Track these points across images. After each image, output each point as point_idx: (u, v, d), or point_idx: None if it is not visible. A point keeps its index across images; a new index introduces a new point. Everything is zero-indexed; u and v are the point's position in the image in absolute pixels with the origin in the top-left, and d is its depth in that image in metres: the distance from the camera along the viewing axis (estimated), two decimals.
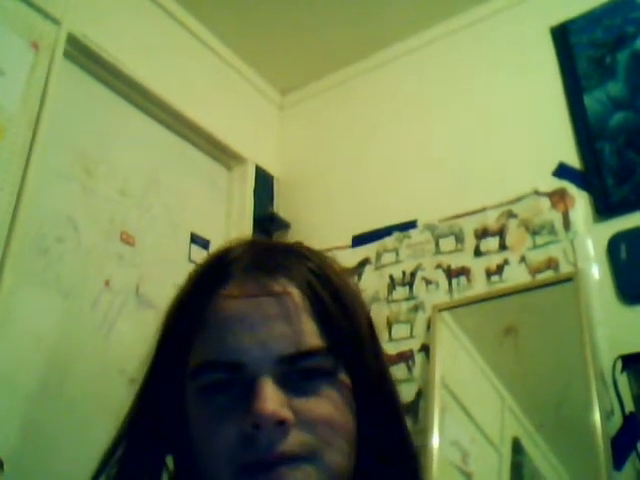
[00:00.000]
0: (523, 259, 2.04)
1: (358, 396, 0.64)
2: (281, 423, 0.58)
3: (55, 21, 1.96)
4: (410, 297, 2.21)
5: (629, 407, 1.70)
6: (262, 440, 0.57)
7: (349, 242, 2.44)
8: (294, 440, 0.58)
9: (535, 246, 2.04)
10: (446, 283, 2.17)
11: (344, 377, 0.64)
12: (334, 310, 0.65)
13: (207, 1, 2.50)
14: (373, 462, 0.65)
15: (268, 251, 0.70)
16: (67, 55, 2.01)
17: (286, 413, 0.58)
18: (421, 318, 2.16)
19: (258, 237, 0.74)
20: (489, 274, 2.09)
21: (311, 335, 0.62)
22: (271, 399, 0.58)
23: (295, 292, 0.64)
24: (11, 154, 1.75)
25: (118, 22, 2.22)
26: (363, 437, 0.64)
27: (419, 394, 2.01)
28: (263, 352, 0.60)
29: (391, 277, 2.28)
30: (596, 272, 1.91)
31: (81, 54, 2.09)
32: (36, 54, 1.89)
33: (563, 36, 2.25)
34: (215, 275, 0.67)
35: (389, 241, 2.36)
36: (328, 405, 0.61)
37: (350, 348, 0.64)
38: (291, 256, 0.69)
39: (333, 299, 0.65)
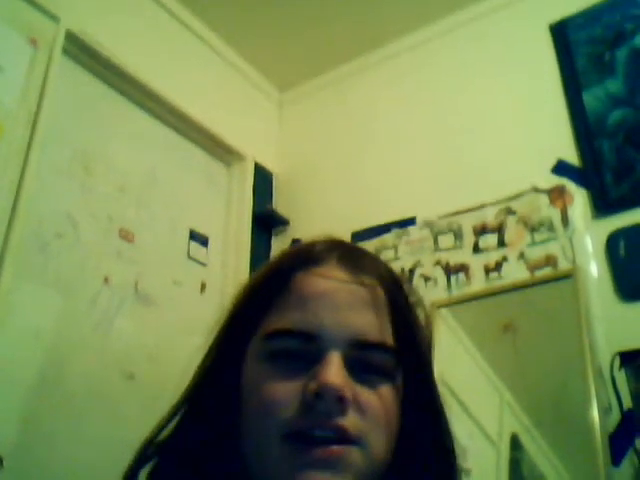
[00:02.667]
0: (522, 256, 2.04)
1: (407, 402, 0.66)
2: (341, 400, 0.59)
3: (54, 18, 1.95)
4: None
5: (627, 403, 1.70)
6: (321, 410, 0.59)
7: (348, 239, 2.44)
8: (350, 420, 0.60)
9: (534, 243, 2.04)
10: (445, 280, 2.17)
11: (400, 383, 0.66)
12: (407, 319, 0.69)
13: None
14: (412, 462, 0.66)
15: (355, 249, 0.74)
16: (66, 52, 2.01)
17: (348, 392, 0.60)
18: (420, 315, 2.15)
19: (340, 239, 0.76)
20: (488, 271, 2.09)
21: (386, 332, 0.65)
22: (337, 374, 0.59)
23: (379, 290, 0.67)
24: (9, 151, 1.76)
25: (116, 19, 2.22)
26: (402, 440, 0.65)
27: None
28: (340, 331, 0.62)
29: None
30: (594, 269, 1.91)
31: (80, 51, 2.09)
32: (35, 51, 1.89)
33: (562, 33, 2.25)
34: (306, 257, 0.69)
35: (388, 238, 2.36)
36: (381, 402, 0.63)
37: (414, 358, 0.67)
38: (375, 260, 0.74)
39: (407, 309, 0.70)
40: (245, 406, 0.64)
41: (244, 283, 0.73)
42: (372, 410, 0.61)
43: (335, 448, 0.58)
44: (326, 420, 0.59)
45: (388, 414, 0.63)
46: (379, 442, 0.62)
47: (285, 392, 0.60)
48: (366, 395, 0.62)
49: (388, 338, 0.65)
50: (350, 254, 0.70)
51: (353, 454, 0.59)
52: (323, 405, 0.58)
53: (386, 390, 0.63)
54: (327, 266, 0.67)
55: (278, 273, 0.69)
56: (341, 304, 0.64)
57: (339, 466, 0.58)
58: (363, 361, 0.63)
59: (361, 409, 0.61)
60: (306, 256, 0.69)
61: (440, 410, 0.71)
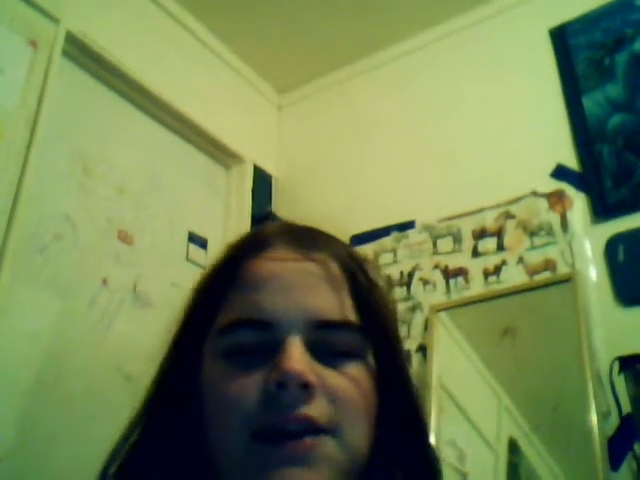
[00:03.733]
0: (521, 260, 2.04)
1: (381, 383, 0.62)
2: (306, 386, 0.55)
3: (54, 19, 1.95)
4: (407, 297, 2.21)
5: (626, 408, 1.70)
6: (285, 400, 0.55)
7: (347, 242, 2.43)
8: (317, 408, 0.56)
9: (533, 247, 2.04)
10: (444, 283, 2.17)
11: (371, 361, 0.62)
12: (369, 294, 0.64)
13: (206, 0, 2.50)
14: (389, 449, 0.62)
15: (306, 229, 0.70)
16: (65, 53, 2.01)
17: (313, 377, 0.56)
18: (418, 318, 2.16)
19: (291, 221, 0.73)
20: (487, 275, 2.09)
21: (347, 309, 0.61)
22: (299, 360, 0.56)
23: (335, 265, 0.63)
24: (9, 152, 1.75)
25: (117, 21, 2.22)
26: (381, 424, 0.62)
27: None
28: (296, 313, 0.59)
29: (389, 277, 2.28)
30: (594, 273, 1.91)
31: (80, 52, 2.08)
32: (34, 52, 1.89)
33: (562, 38, 2.25)
34: (253, 243, 0.66)
35: (387, 241, 2.36)
36: (353, 384, 0.59)
37: (381, 333, 0.63)
38: (329, 237, 0.69)
39: (368, 284, 0.65)
40: (207, 408, 0.60)
41: (197, 278, 0.70)
42: (343, 394, 0.58)
43: (307, 440, 0.55)
44: (292, 411, 0.55)
45: (362, 396, 0.59)
46: (355, 429, 0.58)
47: (246, 387, 0.57)
48: (334, 378, 0.58)
49: (350, 315, 0.61)
50: (301, 234, 0.67)
51: (327, 445, 0.56)
52: (287, 395, 0.55)
53: (356, 370, 0.60)
54: (276, 249, 0.64)
55: (227, 263, 0.66)
56: (293, 285, 0.60)
57: (313, 460, 0.55)
58: (326, 342, 0.59)
59: (330, 394, 0.57)
60: (254, 242, 0.66)
61: (411, 388, 0.67)
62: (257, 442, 0.56)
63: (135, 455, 0.64)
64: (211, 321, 0.63)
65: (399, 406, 0.63)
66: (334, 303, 0.61)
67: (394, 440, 0.63)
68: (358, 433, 0.59)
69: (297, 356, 0.56)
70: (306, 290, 0.60)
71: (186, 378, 0.63)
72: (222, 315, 0.62)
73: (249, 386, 0.57)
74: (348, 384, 0.59)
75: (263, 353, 0.58)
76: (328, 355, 0.59)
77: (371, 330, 0.62)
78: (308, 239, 0.66)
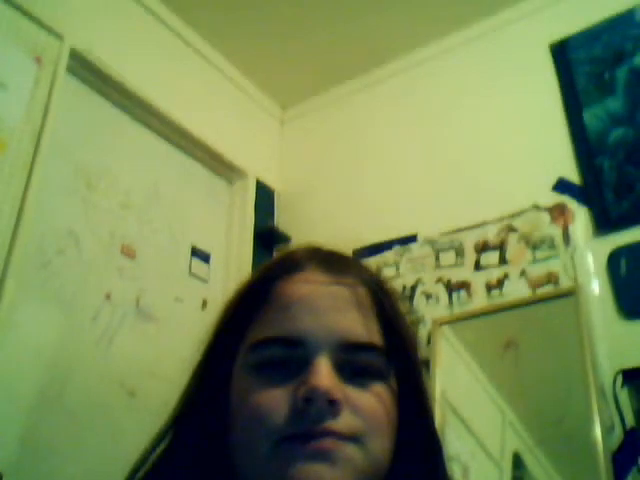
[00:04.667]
0: (523, 273, 2.04)
1: (401, 404, 0.65)
2: (333, 402, 0.58)
3: (58, 36, 1.97)
4: (410, 311, 2.21)
5: (630, 422, 1.69)
6: (312, 415, 0.57)
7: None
8: (343, 422, 0.58)
9: (535, 260, 2.05)
10: (446, 297, 2.17)
11: (393, 382, 0.64)
12: (394, 319, 0.67)
13: (208, 16, 2.52)
14: (407, 466, 0.65)
15: (335, 253, 0.73)
16: (70, 70, 2.03)
17: (339, 393, 0.59)
18: (421, 332, 2.15)
19: (320, 245, 0.76)
20: (489, 288, 2.09)
21: (373, 332, 0.64)
22: (327, 377, 0.58)
23: (363, 290, 0.66)
24: (13, 167, 1.76)
25: (121, 37, 2.24)
26: (400, 441, 0.64)
27: None
28: (326, 334, 0.61)
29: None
30: (596, 287, 1.91)
31: (84, 69, 2.10)
32: (39, 69, 1.90)
33: (562, 52, 2.27)
34: (286, 265, 0.69)
35: (389, 255, 2.36)
36: (377, 402, 0.61)
37: (403, 357, 0.66)
38: (358, 263, 0.73)
39: (393, 310, 0.68)
40: (235, 420, 0.63)
41: (227, 298, 0.72)
42: (368, 410, 0.60)
43: (331, 441, 0.57)
44: (318, 424, 0.57)
45: (385, 414, 0.62)
46: (378, 441, 0.61)
47: (274, 400, 0.59)
48: (358, 396, 0.61)
49: (375, 338, 0.64)
50: (330, 258, 0.70)
51: (349, 449, 0.58)
52: (314, 409, 0.57)
53: (380, 389, 0.62)
54: (307, 271, 0.67)
55: (259, 284, 0.69)
56: (324, 307, 0.63)
57: (336, 459, 0.57)
58: (352, 363, 0.62)
59: (355, 409, 0.60)
60: (286, 264, 0.69)
61: (431, 414, 0.70)
62: (280, 446, 0.58)
63: (162, 462, 0.66)
64: (241, 337, 0.66)
65: (417, 426, 0.66)
66: (361, 326, 0.63)
67: (412, 457, 0.65)
68: (380, 445, 0.61)
69: (325, 373, 0.59)
70: (335, 312, 0.63)
71: (215, 390, 0.66)
72: (253, 332, 0.65)
73: (278, 399, 0.59)
74: (372, 402, 0.61)
75: (293, 369, 0.61)
76: (353, 375, 0.62)
77: (395, 353, 0.65)
78: (338, 263, 0.69)
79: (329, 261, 0.69)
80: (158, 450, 0.67)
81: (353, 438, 0.58)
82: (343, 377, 0.61)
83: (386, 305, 0.67)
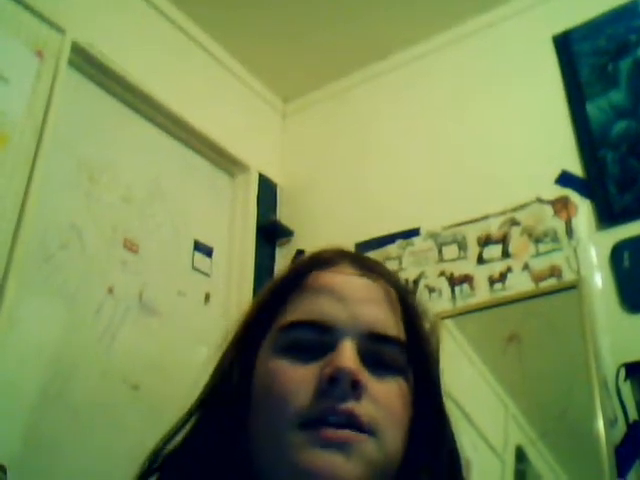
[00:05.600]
0: (526, 267, 2.04)
1: (417, 399, 0.67)
2: (356, 385, 0.59)
3: (60, 30, 1.97)
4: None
5: (633, 415, 1.69)
6: (335, 394, 0.59)
7: (352, 250, 2.43)
8: (363, 407, 0.60)
9: (538, 254, 2.04)
10: (449, 291, 2.17)
11: (411, 378, 0.66)
12: (418, 321, 0.70)
13: (210, 10, 2.51)
14: (418, 458, 0.66)
15: (364, 256, 0.77)
16: (71, 63, 2.03)
17: (363, 376, 0.61)
18: None
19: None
20: (492, 282, 2.09)
21: (398, 327, 0.67)
22: (351, 359, 0.60)
23: (391, 289, 0.69)
24: (15, 162, 1.76)
25: (122, 31, 2.24)
26: (414, 434, 0.65)
27: None
28: (354, 322, 0.64)
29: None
30: (599, 280, 1.91)
31: (85, 63, 2.10)
32: (41, 62, 1.90)
33: (565, 44, 2.26)
34: (319, 259, 0.72)
35: (392, 248, 2.36)
36: (395, 395, 0.63)
37: (423, 356, 0.69)
38: (386, 268, 0.76)
39: (417, 312, 0.72)
40: (258, 400, 0.64)
41: (263, 290, 0.75)
42: (385, 401, 0.62)
43: (347, 432, 0.58)
44: (340, 404, 0.59)
45: (401, 406, 0.64)
46: (393, 435, 0.62)
47: (300, 379, 0.61)
48: (380, 386, 0.62)
49: (400, 333, 0.66)
50: (361, 258, 0.73)
51: (365, 443, 0.59)
52: (338, 389, 0.59)
53: (398, 383, 0.64)
54: (340, 265, 0.70)
55: (293, 273, 0.72)
56: (355, 297, 0.66)
57: (350, 450, 0.58)
58: (376, 354, 0.64)
59: (374, 399, 0.61)
60: (319, 259, 0.72)
61: (447, 414, 0.72)
62: (303, 431, 0.59)
63: (182, 448, 0.68)
64: (271, 322, 0.68)
65: (431, 421, 0.68)
66: (389, 319, 0.66)
67: (423, 453, 0.66)
68: (394, 438, 0.62)
69: (350, 356, 0.61)
70: (365, 303, 0.66)
71: (242, 377, 0.68)
72: (283, 316, 0.67)
73: (303, 378, 0.61)
74: (391, 394, 0.63)
75: (319, 352, 0.63)
76: (376, 365, 0.63)
77: (415, 351, 0.67)
78: (368, 262, 0.73)
79: (360, 260, 0.72)
80: (179, 435, 0.69)
81: (370, 430, 0.60)
82: (366, 366, 0.62)
83: (412, 308, 0.70)
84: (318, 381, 0.60)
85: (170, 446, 0.68)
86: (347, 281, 0.67)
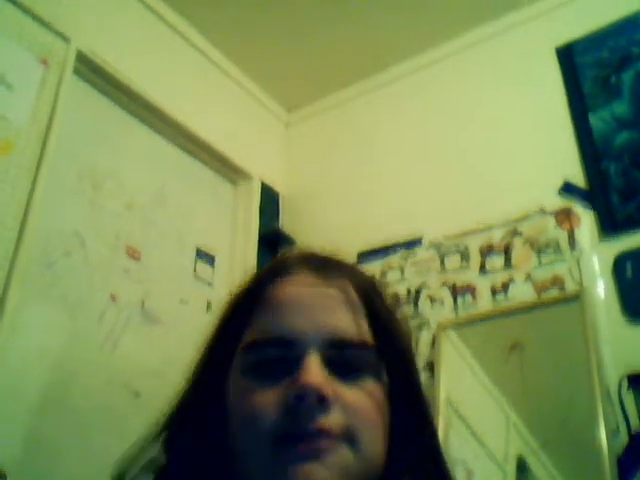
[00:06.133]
0: (528, 277, 2.04)
1: (394, 399, 0.66)
2: (323, 400, 0.59)
3: (65, 38, 1.98)
4: (415, 315, 2.21)
5: (635, 425, 1.68)
6: (303, 413, 0.59)
7: (354, 259, 2.44)
8: (334, 419, 0.59)
9: (540, 264, 2.04)
10: (451, 301, 2.17)
11: (385, 378, 0.66)
12: (384, 316, 0.68)
13: (214, 19, 2.53)
14: (403, 465, 0.65)
15: (326, 256, 0.75)
16: (76, 72, 2.04)
17: (329, 390, 0.60)
18: (426, 336, 2.15)
19: (312, 249, 0.75)
20: (494, 292, 2.09)
21: (363, 330, 0.65)
22: (316, 374, 0.60)
23: (352, 290, 0.68)
24: (19, 169, 1.77)
25: (127, 40, 2.25)
26: (395, 439, 0.65)
27: None
28: (316, 333, 0.63)
29: (396, 295, 2.28)
30: (602, 290, 1.91)
31: (90, 71, 2.11)
32: (46, 70, 1.91)
33: (568, 56, 2.27)
34: (277, 269, 0.71)
35: (394, 258, 2.36)
36: (368, 398, 0.63)
37: (394, 353, 0.67)
38: (349, 265, 0.74)
39: (383, 307, 0.70)
40: (232, 421, 0.64)
41: (223, 304, 0.74)
42: (358, 405, 0.61)
43: (322, 442, 0.58)
44: (309, 422, 0.58)
45: (375, 409, 0.63)
46: (370, 438, 0.61)
47: (268, 400, 0.60)
48: (350, 393, 0.62)
49: (365, 335, 0.65)
50: (322, 262, 0.72)
51: (342, 450, 0.59)
52: (304, 406, 0.58)
53: (371, 385, 0.63)
54: (298, 274, 0.69)
55: (252, 288, 0.71)
56: (312, 306, 0.65)
57: (326, 458, 0.58)
58: (343, 359, 0.63)
59: (345, 406, 0.61)
60: (277, 268, 0.71)
61: (423, 404, 0.70)
62: (277, 447, 0.59)
63: (168, 461, 0.68)
64: (238, 339, 0.67)
65: (411, 420, 0.67)
66: (350, 323, 0.65)
67: (407, 452, 0.66)
68: (372, 442, 0.62)
69: (314, 371, 0.60)
70: (324, 311, 0.65)
71: (213, 397, 0.67)
72: (247, 334, 0.66)
73: (271, 399, 0.61)
74: (362, 398, 0.62)
75: (284, 369, 0.62)
76: (344, 371, 0.63)
77: (384, 349, 0.66)
78: (328, 266, 0.70)
79: (320, 265, 0.70)
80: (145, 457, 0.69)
81: (345, 437, 0.59)
82: (334, 374, 0.62)
83: (377, 304, 0.68)
84: (284, 401, 0.60)
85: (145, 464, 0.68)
86: (304, 291, 0.66)
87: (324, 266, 0.70)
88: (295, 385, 0.59)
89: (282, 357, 0.62)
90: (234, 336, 0.68)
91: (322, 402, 0.59)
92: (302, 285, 0.67)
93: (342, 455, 0.59)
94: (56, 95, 1.91)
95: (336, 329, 0.64)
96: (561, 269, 1.99)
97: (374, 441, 0.62)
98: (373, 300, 0.68)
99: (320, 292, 0.66)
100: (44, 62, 1.92)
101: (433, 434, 0.70)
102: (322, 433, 0.58)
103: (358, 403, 0.61)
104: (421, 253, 2.31)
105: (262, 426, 0.60)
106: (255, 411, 0.61)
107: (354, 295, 0.67)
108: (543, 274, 2.02)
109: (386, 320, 0.68)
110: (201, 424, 0.67)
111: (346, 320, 0.65)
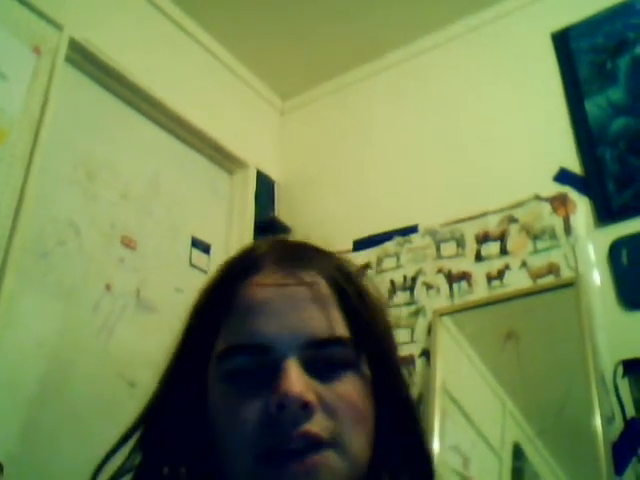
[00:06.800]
0: (524, 264, 2.04)
1: (377, 390, 0.65)
2: (305, 406, 0.58)
3: (57, 26, 1.96)
4: (411, 302, 2.21)
5: (630, 412, 1.69)
6: (285, 421, 0.58)
7: (350, 246, 2.44)
8: (318, 423, 0.59)
9: (536, 251, 2.04)
10: (447, 288, 2.17)
11: (366, 369, 0.65)
12: (359, 305, 0.67)
13: (209, 6, 2.51)
14: (389, 456, 0.65)
15: (295, 247, 0.73)
16: (69, 60, 2.02)
17: (311, 396, 0.59)
18: (422, 323, 2.16)
19: (283, 238, 0.74)
20: (490, 279, 2.09)
21: (338, 324, 0.64)
22: (297, 381, 0.59)
23: (323, 283, 0.66)
24: (13, 158, 1.76)
25: (120, 27, 2.23)
26: (380, 431, 0.65)
27: (420, 399, 2.01)
28: (291, 336, 0.61)
29: (392, 282, 2.28)
30: (597, 277, 1.91)
31: (83, 59, 2.09)
32: (38, 59, 1.90)
33: (564, 42, 2.26)
34: (245, 265, 0.69)
35: (390, 246, 2.36)
36: (350, 393, 0.62)
37: (373, 342, 0.66)
38: (317, 252, 0.72)
39: (358, 295, 0.68)
40: (216, 429, 0.63)
41: (197, 294, 0.73)
42: (340, 404, 0.61)
43: (310, 458, 0.57)
44: (294, 430, 0.58)
45: (359, 404, 0.62)
46: (356, 438, 0.61)
47: (247, 411, 0.59)
48: (333, 392, 0.61)
49: (340, 330, 0.64)
50: (288, 254, 0.69)
51: (331, 459, 0.58)
52: (287, 415, 0.57)
53: (351, 380, 0.63)
54: (266, 271, 0.67)
55: (221, 288, 0.69)
56: (284, 309, 0.63)
57: (319, 473, 0.57)
58: (320, 359, 0.62)
59: (330, 409, 0.60)
60: (244, 264, 0.69)
61: (405, 393, 0.70)
62: (261, 464, 0.58)
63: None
64: (211, 345, 0.66)
65: (394, 410, 0.67)
66: (323, 321, 0.63)
67: (391, 444, 0.66)
68: (358, 442, 0.61)
69: (295, 377, 0.59)
70: (296, 312, 0.63)
71: (191, 402, 0.66)
72: (220, 340, 0.65)
73: (251, 410, 0.59)
74: (344, 395, 0.61)
75: (262, 377, 0.61)
76: (323, 370, 0.62)
77: (362, 341, 0.64)
78: (295, 258, 0.68)
79: (286, 258, 0.68)
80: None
81: (331, 442, 0.59)
82: (314, 375, 0.61)
83: (349, 293, 0.67)
84: (267, 411, 0.58)
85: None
86: (274, 293, 0.64)
87: (292, 259, 0.68)
88: (277, 394, 0.58)
89: (259, 364, 0.61)
90: (207, 341, 0.66)
91: (305, 408, 0.58)
92: (271, 285, 0.65)
93: (331, 464, 0.58)
94: (49, 83, 1.90)
95: (310, 330, 0.62)
96: (557, 256, 2.00)
97: (359, 438, 0.61)
98: (345, 289, 0.67)
99: (290, 292, 0.64)
100: (36, 50, 1.90)
101: (415, 421, 0.69)
102: (309, 439, 0.58)
103: (341, 401, 0.61)
104: (417, 240, 2.31)
105: (245, 438, 0.59)
106: (237, 423, 0.60)
107: (325, 288, 0.66)
108: (539, 261, 2.02)
109: (361, 311, 0.66)
110: (182, 439, 0.65)
111: (319, 318, 0.63)
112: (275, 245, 0.72)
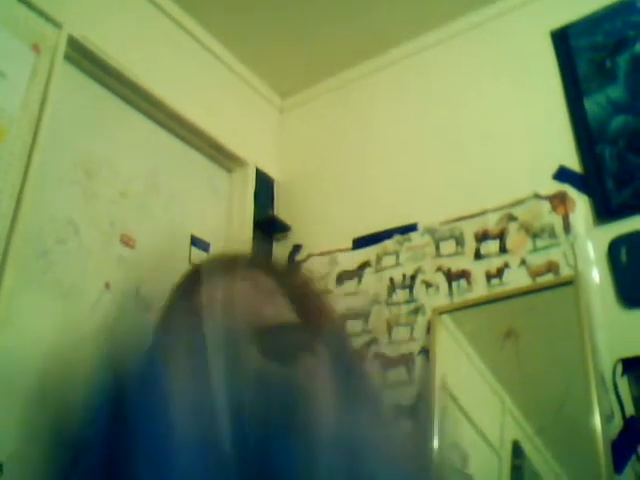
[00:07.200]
0: (523, 262, 2.04)
1: (334, 370, 0.68)
2: None
3: (56, 24, 1.96)
4: (410, 300, 2.21)
5: (629, 410, 1.69)
6: None
7: (350, 245, 2.44)
8: None
9: (535, 249, 2.04)
10: (446, 286, 2.17)
11: (324, 353, 0.67)
12: (304, 293, 0.72)
13: (208, 4, 2.51)
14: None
15: (237, 256, 0.76)
16: (68, 58, 2.02)
17: None
18: (421, 321, 2.16)
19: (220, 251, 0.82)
20: (489, 277, 2.09)
21: (285, 311, 0.68)
22: None
23: (266, 280, 0.71)
24: (11, 156, 1.76)
25: (119, 25, 2.23)
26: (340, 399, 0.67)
27: (419, 397, 2.01)
28: (245, 326, 0.64)
29: (391, 280, 2.28)
30: (596, 275, 1.91)
31: (82, 57, 2.09)
32: (37, 57, 1.89)
33: (563, 40, 2.26)
34: (191, 281, 0.74)
35: (389, 244, 2.36)
36: (307, 373, 0.65)
37: (322, 325, 0.70)
38: (259, 258, 0.78)
39: (302, 285, 0.75)
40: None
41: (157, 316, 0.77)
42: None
43: None
44: None
45: (318, 379, 0.65)
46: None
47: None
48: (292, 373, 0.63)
49: (288, 315, 0.67)
50: (231, 260, 0.73)
51: None
52: None
53: (307, 360, 0.65)
54: (210, 280, 0.70)
55: (178, 301, 0.75)
56: (234, 305, 0.66)
57: None
58: (275, 345, 0.64)
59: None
60: (191, 280, 0.74)
61: (355, 363, 0.74)
62: None
63: None
64: None
65: (348, 379, 0.69)
66: (270, 309, 0.67)
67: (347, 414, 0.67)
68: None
69: None
70: (247, 306, 0.66)
71: None
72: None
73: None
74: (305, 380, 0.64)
75: None
76: (280, 356, 0.64)
77: (311, 324, 0.68)
78: (238, 265, 0.72)
79: (231, 262, 0.72)
80: None
81: None
82: (273, 359, 0.63)
83: (293, 285, 0.71)
84: None
85: None
86: (223, 292, 0.67)
87: (235, 266, 0.71)
88: None
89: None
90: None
91: None
92: (218, 287, 0.68)
93: None
94: (47, 81, 1.89)
95: (263, 319, 0.65)
96: (556, 254, 2.00)
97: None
98: (288, 281, 0.71)
99: (238, 289, 0.68)
100: (35, 48, 1.90)
101: (366, 389, 0.72)
102: None
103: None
104: (416, 238, 2.31)
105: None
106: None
107: (269, 283, 0.70)
108: (538, 259, 2.02)
109: (305, 297, 0.71)
110: None
111: (269, 308, 0.67)
112: (215, 258, 0.78)
